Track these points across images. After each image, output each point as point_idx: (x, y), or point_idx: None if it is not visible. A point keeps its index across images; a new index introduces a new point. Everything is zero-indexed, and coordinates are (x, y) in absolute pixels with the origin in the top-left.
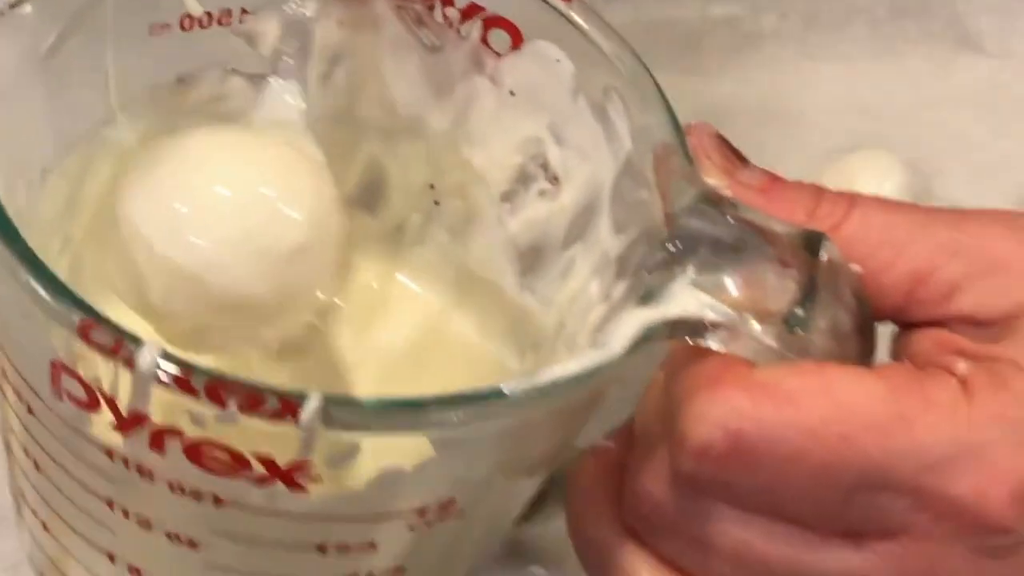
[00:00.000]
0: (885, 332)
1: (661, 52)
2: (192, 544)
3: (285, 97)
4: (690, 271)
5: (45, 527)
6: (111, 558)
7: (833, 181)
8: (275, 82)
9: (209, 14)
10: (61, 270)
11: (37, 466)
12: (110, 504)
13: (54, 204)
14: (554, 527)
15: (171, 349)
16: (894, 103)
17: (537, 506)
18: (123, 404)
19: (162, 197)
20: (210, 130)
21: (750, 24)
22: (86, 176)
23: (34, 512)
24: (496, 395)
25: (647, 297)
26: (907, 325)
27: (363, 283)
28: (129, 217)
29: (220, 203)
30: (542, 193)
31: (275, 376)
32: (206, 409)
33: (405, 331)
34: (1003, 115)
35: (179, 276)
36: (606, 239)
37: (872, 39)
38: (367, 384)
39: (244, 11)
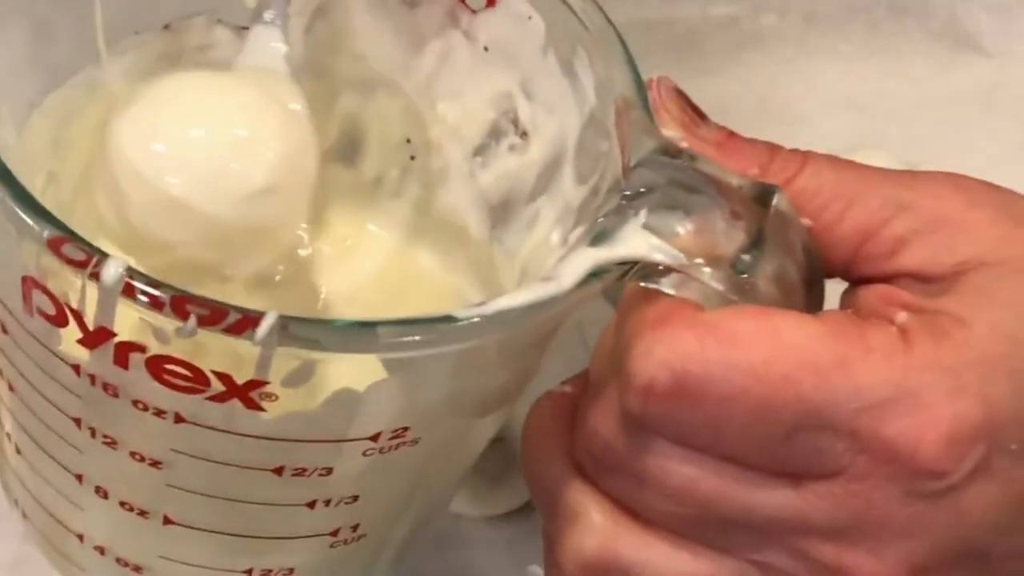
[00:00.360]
0: (834, 291)
1: (661, 52)
2: (155, 463)
3: (271, 44)
4: (642, 215)
5: (18, 450)
6: (79, 479)
7: None
8: (261, 29)
9: None
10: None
11: (11, 387)
12: (77, 423)
13: (38, 140)
14: None
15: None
16: (894, 103)
17: (532, 504)
18: (90, 319)
19: (141, 135)
20: (193, 74)
21: (750, 24)
22: (71, 116)
23: (8, 436)
24: (447, 320)
25: (599, 238)
26: (855, 280)
27: (340, 235)
28: (112, 153)
29: (194, 141)
30: (512, 147)
31: None
32: (168, 323)
33: (378, 280)
34: (1003, 115)
35: (155, 210)
36: (569, 190)
37: (871, 38)
38: None
39: None
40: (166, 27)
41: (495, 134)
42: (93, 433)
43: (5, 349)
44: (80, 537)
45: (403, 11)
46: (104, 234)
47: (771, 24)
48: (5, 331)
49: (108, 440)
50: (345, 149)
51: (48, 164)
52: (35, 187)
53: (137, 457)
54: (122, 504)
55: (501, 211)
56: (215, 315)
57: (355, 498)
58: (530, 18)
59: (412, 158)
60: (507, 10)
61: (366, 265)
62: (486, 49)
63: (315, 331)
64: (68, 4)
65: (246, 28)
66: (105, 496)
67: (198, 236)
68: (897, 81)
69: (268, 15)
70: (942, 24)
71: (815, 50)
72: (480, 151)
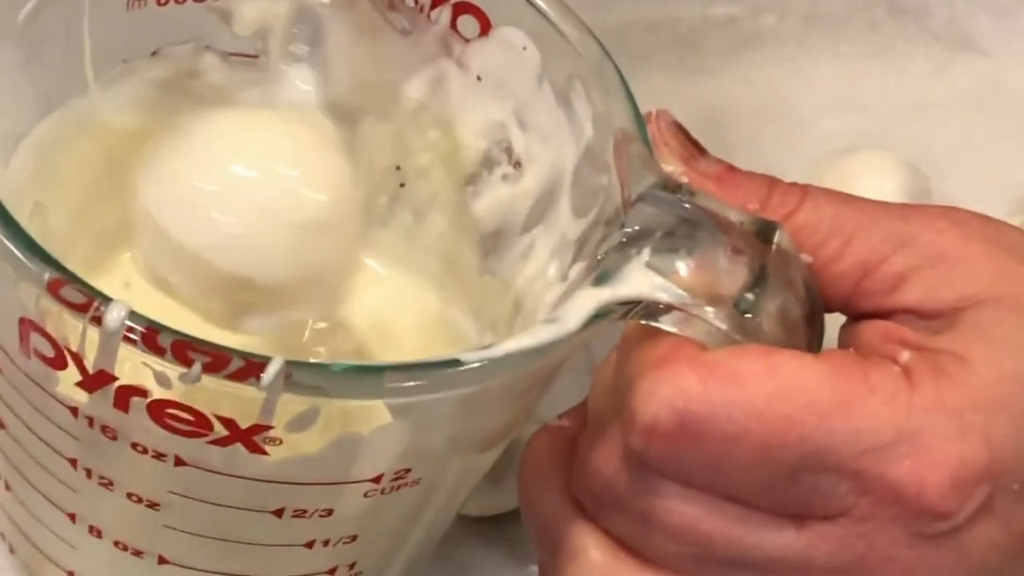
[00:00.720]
0: (832, 324)
1: (661, 52)
2: (152, 505)
3: (296, 81)
4: (645, 253)
5: (7, 487)
6: (72, 518)
7: (833, 181)
8: (286, 66)
9: None
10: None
11: (2, 425)
12: (73, 463)
13: (24, 170)
14: None
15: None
16: (894, 103)
17: None
18: (90, 362)
19: (188, 178)
20: (229, 112)
21: (750, 24)
22: (59, 145)
23: None
24: (453, 364)
25: (602, 277)
26: (854, 316)
27: None
28: (155, 201)
29: (244, 182)
30: (505, 177)
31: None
32: (171, 368)
33: (368, 310)
34: (1003, 115)
35: (208, 255)
36: (566, 222)
37: (871, 38)
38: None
39: None
40: (154, 54)
41: (487, 163)
42: (89, 474)
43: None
44: (70, 575)
45: (395, 38)
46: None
47: (771, 24)
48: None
49: (104, 481)
50: None
51: (34, 194)
52: (22, 218)
53: (134, 498)
54: (116, 544)
55: (493, 241)
56: (218, 361)
57: (354, 538)
58: (524, 48)
59: (401, 185)
60: (501, 40)
61: (357, 300)
62: (479, 78)
63: (320, 378)
64: (55, 33)
65: (234, 55)
66: (99, 535)
67: (249, 282)
68: (897, 81)
69: (297, 48)
70: (942, 24)
71: (815, 50)
72: (472, 180)
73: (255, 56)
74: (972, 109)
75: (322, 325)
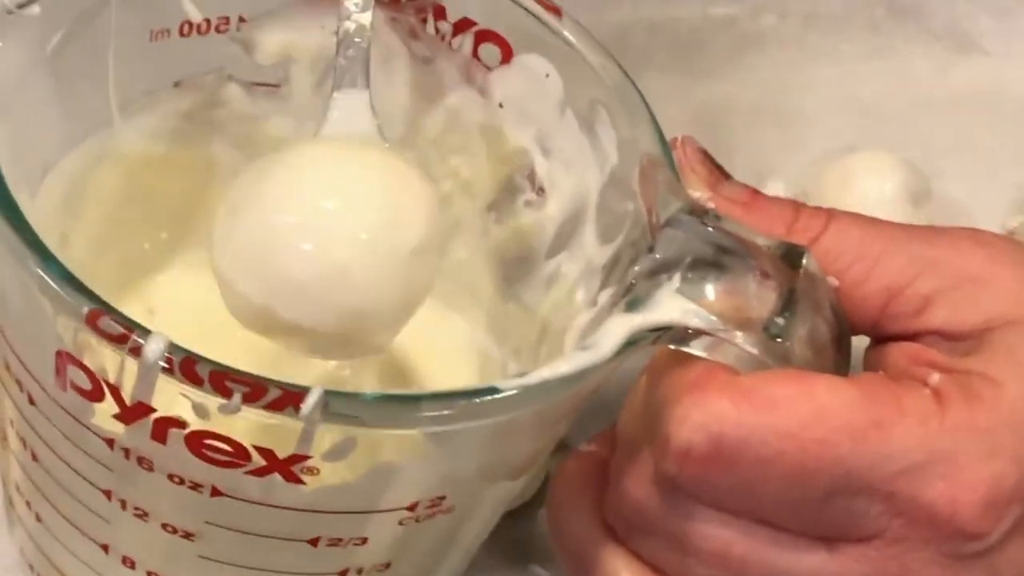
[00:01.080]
0: (855, 346)
1: (661, 52)
2: (187, 535)
3: (357, 113)
4: (675, 279)
5: (39, 518)
6: (105, 549)
7: (833, 181)
8: (342, 96)
9: (208, 20)
10: None
11: (35, 456)
12: (108, 495)
13: (50, 202)
14: None
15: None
16: (894, 103)
17: (534, 504)
18: (127, 394)
19: (284, 214)
20: (310, 145)
21: (750, 24)
22: (84, 177)
23: (28, 504)
24: (489, 392)
25: (634, 304)
26: (881, 338)
27: None
28: (247, 240)
29: (339, 212)
30: (528, 203)
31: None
32: (209, 399)
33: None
34: (1003, 115)
35: (310, 289)
36: (591, 248)
37: (871, 39)
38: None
39: (242, 19)
40: (177, 84)
41: (510, 190)
42: (123, 505)
43: (31, 420)
44: None
45: (417, 66)
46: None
47: (771, 25)
48: (32, 402)
49: (139, 512)
50: None
51: (60, 225)
52: (49, 248)
53: (169, 529)
54: (149, 574)
55: (517, 267)
56: (256, 391)
57: (387, 565)
58: (547, 75)
59: None
60: (523, 67)
61: None
62: (501, 105)
63: (357, 408)
64: (81, 65)
65: (257, 85)
66: (132, 566)
67: (349, 313)
68: (897, 81)
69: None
70: (942, 24)
71: (815, 50)
72: (494, 206)
73: (277, 86)
74: (972, 109)
75: None
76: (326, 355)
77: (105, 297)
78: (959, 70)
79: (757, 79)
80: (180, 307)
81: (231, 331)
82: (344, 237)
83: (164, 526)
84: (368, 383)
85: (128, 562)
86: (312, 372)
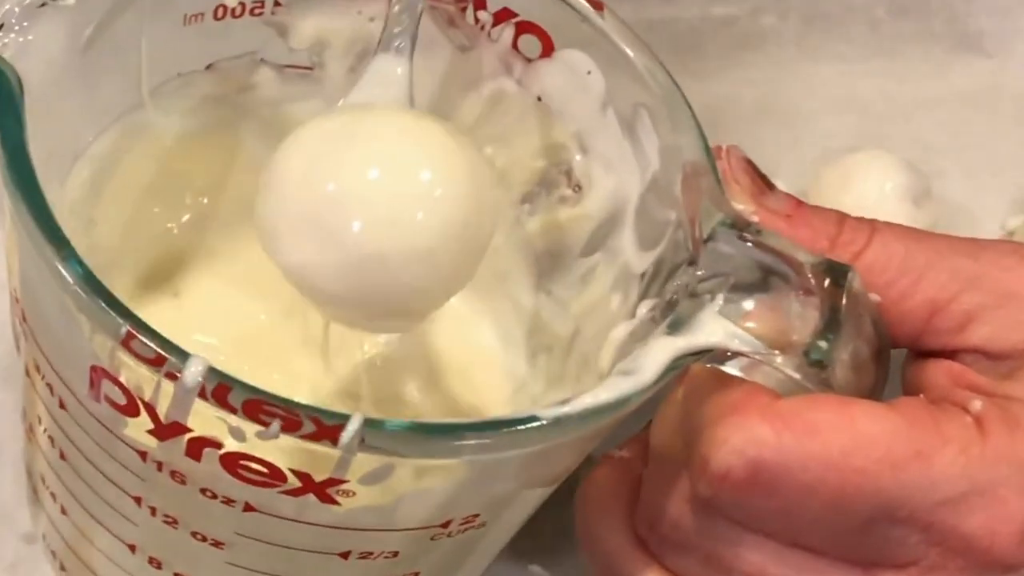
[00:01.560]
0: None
1: (661, 52)
2: (217, 544)
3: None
4: (718, 300)
5: (64, 511)
6: (132, 548)
7: (833, 181)
8: (381, 60)
9: (242, 4)
10: (80, 250)
11: (63, 456)
12: (137, 501)
13: (79, 186)
14: (554, 527)
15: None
16: (894, 103)
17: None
18: (162, 412)
19: (334, 179)
20: (364, 111)
21: (750, 24)
22: (114, 160)
23: (53, 496)
24: (531, 421)
25: (676, 326)
26: (921, 353)
27: None
28: (293, 207)
29: (390, 180)
30: (563, 199)
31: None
32: (246, 424)
33: (421, 331)
34: (1003, 115)
35: (356, 258)
36: (630, 254)
37: (872, 39)
38: (378, 382)
39: (277, 3)
40: (209, 67)
41: (545, 183)
42: (153, 512)
43: (61, 423)
44: None
45: (455, 54)
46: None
47: (771, 24)
48: (63, 407)
49: (169, 520)
50: None
51: (87, 209)
52: (75, 232)
53: (198, 537)
54: (176, 575)
55: (548, 261)
56: (292, 423)
57: (416, 574)
58: (589, 73)
59: None
60: (564, 62)
61: None
62: (539, 99)
63: (396, 439)
64: (114, 52)
65: (289, 68)
66: (159, 567)
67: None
68: (897, 81)
69: (397, 43)
70: (942, 24)
71: (815, 50)
72: (528, 198)
73: (310, 68)
74: (972, 109)
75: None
76: (367, 327)
77: (130, 283)
78: (959, 70)
79: (757, 79)
80: (206, 292)
81: (256, 316)
82: (395, 205)
83: (194, 534)
84: (398, 374)
85: (155, 563)
86: (344, 360)
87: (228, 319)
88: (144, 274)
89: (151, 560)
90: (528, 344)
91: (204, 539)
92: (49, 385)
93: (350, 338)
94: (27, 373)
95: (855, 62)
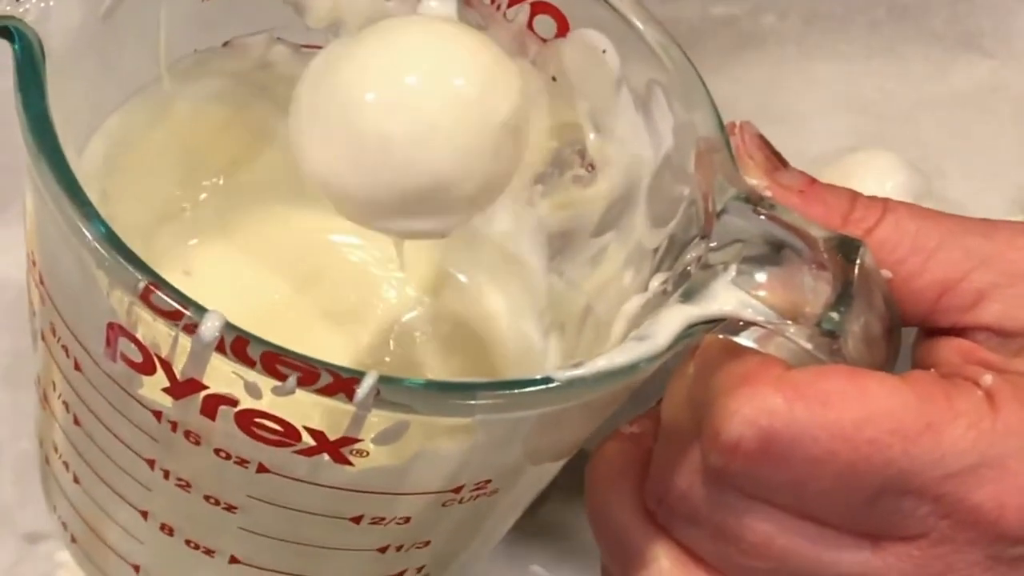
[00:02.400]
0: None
1: None
2: (229, 508)
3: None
4: (731, 270)
5: (76, 480)
6: (144, 515)
7: (833, 181)
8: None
9: None
10: None
11: (77, 421)
12: (151, 464)
13: (94, 160)
14: (554, 527)
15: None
16: (894, 103)
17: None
18: (179, 369)
19: (371, 75)
20: (403, 20)
21: (750, 24)
22: (129, 134)
23: (66, 465)
24: (544, 383)
25: (689, 295)
26: (931, 331)
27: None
28: (329, 99)
29: (429, 77)
30: (577, 179)
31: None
32: (263, 380)
33: (434, 306)
34: (1003, 115)
35: (393, 151)
36: (642, 231)
37: (872, 39)
38: (394, 357)
39: None
40: (226, 44)
41: (559, 163)
42: (166, 475)
43: (76, 386)
44: (136, 568)
45: None
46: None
47: (771, 24)
48: (78, 368)
49: (182, 483)
50: None
51: (102, 182)
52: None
53: (211, 501)
54: (187, 542)
55: (561, 241)
56: (309, 376)
57: (427, 543)
58: (604, 51)
59: None
60: (579, 41)
61: (418, 293)
62: (554, 79)
63: (411, 396)
64: (132, 26)
65: (305, 47)
66: (170, 533)
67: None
68: (897, 81)
69: None
70: (942, 24)
71: (815, 50)
72: (541, 179)
73: None
74: (972, 109)
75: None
76: (402, 230)
77: (142, 257)
78: (959, 70)
79: (757, 79)
80: (217, 270)
81: (270, 294)
82: (432, 101)
83: (206, 498)
84: (414, 351)
85: (167, 529)
86: (358, 340)
87: (241, 296)
88: (155, 250)
89: (163, 527)
90: (541, 322)
91: (217, 503)
92: (65, 347)
93: (369, 315)
94: (42, 337)
95: (855, 62)
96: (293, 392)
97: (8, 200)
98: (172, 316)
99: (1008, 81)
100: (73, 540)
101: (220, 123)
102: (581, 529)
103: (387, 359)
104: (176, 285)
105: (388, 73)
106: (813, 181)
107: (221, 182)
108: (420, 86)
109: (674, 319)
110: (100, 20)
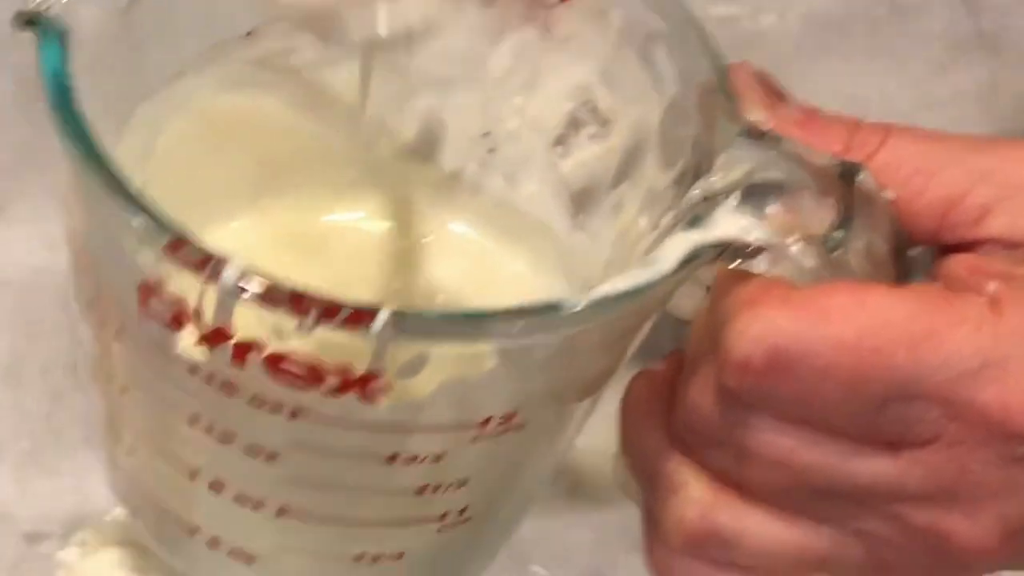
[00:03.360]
0: None
1: None
2: (270, 457)
3: None
4: (734, 197)
5: (130, 451)
6: (193, 476)
7: None
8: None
9: None
10: None
11: (123, 390)
12: (194, 420)
13: (128, 155)
14: (554, 527)
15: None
16: (894, 103)
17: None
18: (208, 320)
19: None
20: None
21: (750, 24)
22: (156, 128)
23: (120, 440)
24: (554, 307)
25: (694, 222)
26: (940, 249)
27: (419, 232)
28: None
29: None
30: (592, 136)
31: None
32: (285, 320)
33: (461, 273)
34: (1003, 115)
35: None
36: (653, 175)
37: (871, 38)
38: None
39: None
40: (248, 34)
41: (574, 124)
42: (209, 430)
43: (119, 354)
44: (193, 531)
45: (479, 8)
46: None
47: (771, 24)
48: (119, 336)
49: (223, 437)
50: (422, 146)
51: (135, 178)
52: None
53: (252, 452)
54: (236, 498)
55: (582, 198)
56: (330, 310)
57: (463, 483)
58: (606, 11)
59: (491, 151)
60: (584, 3)
61: (446, 260)
62: (563, 42)
63: (428, 324)
64: (155, 17)
65: None
66: (219, 491)
67: None
68: (897, 81)
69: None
70: (942, 24)
71: (815, 50)
72: (560, 140)
73: None
74: (972, 109)
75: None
76: None
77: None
78: (959, 70)
79: None
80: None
81: (298, 278)
82: None
83: (247, 449)
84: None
85: (216, 487)
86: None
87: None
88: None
89: (212, 485)
90: (568, 283)
91: (258, 454)
92: (105, 318)
93: (392, 273)
94: (91, 306)
95: (855, 62)
96: (314, 328)
97: (8, 200)
98: (199, 265)
99: (1008, 81)
100: (134, 514)
101: (243, 111)
102: (581, 529)
103: None
104: None
105: None
106: (813, 112)
107: (247, 170)
108: None
109: (679, 245)
110: (123, 11)
